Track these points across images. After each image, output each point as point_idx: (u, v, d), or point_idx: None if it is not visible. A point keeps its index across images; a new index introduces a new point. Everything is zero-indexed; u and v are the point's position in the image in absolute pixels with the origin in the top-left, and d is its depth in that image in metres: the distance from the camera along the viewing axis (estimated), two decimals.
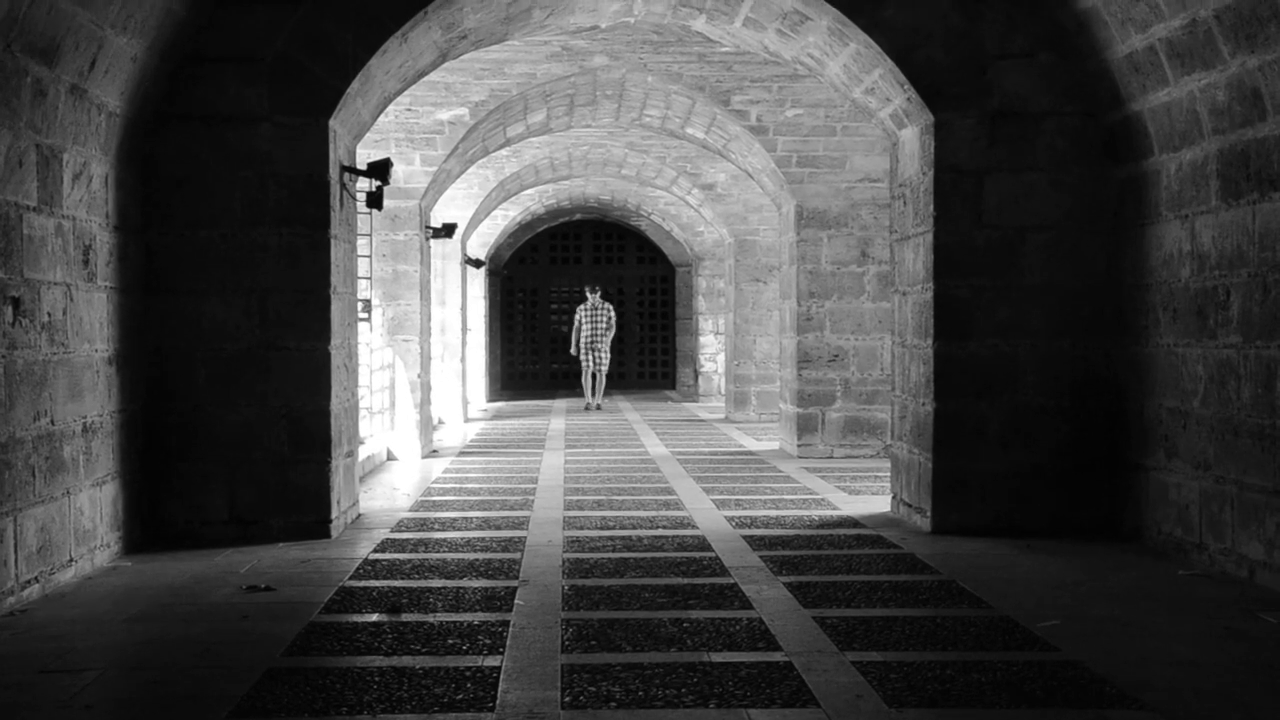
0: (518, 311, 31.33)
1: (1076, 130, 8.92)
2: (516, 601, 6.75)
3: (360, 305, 12.95)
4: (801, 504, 10.60)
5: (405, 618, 6.37)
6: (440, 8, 8.96)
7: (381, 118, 13.44)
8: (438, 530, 9.24)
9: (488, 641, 5.87)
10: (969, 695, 5.01)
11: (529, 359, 31.41)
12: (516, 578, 7.42)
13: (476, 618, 6.37)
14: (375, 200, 10.39)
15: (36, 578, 6.93)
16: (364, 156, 12.34)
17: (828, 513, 10.11)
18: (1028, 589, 7.05)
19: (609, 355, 23.76)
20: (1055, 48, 8.84)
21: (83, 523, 7.58)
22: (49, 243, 7.14)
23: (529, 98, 14.40)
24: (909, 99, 9.17)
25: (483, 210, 21.37)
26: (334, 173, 9.01)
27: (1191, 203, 7.87)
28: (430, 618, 6.37)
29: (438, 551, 8.32)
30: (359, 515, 9.94)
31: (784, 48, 10.14)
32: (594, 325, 23.38)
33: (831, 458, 14.53)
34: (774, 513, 10.05)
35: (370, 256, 14.50)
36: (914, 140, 9.48)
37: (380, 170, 10.07)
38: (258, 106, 8.71)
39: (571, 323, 26.12)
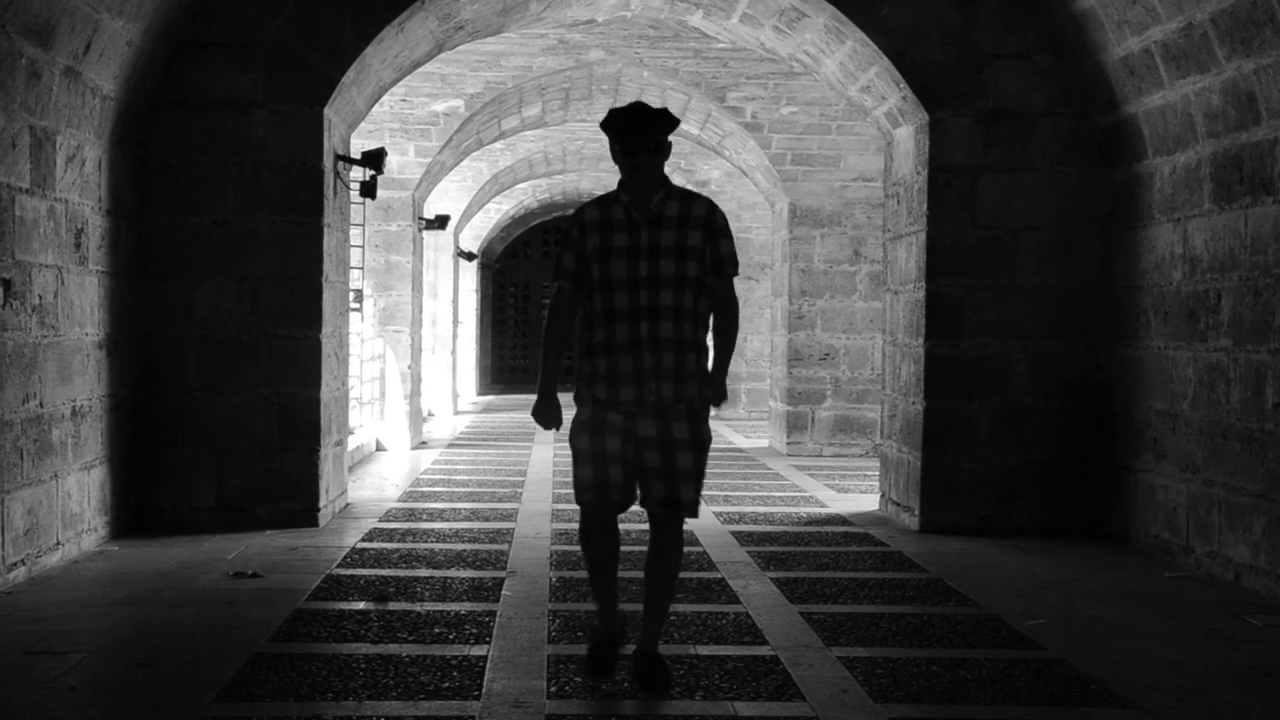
0: (509, 305, 31.32)
1: (1071, 132, 8.94)
2: (504, 592, 6.75)
3: (352, 295, 12.93)
4: (790, 501, 10.60)
5: (392, 606, 6.37)
6: None
7: (376, 108, 13.42)
8: (426, 520, 9.24)
9: (474, 631, 5.87)
10: (955, 691, 5.02)
11: (519, 353, 31.40)
12: (504, 568, 7.41)
13: (463, 607, 6.36)
14: (369, 190, 10.38)
15: (23, 560, 6.91)
16: (358, 146, 12.32)
17: (816, 510, 10.11)
18: (1014, 588, 7.06)
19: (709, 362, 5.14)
20: (1051, 49, 8.85)
21: (70, 506, 7.56)
22: (41, 225, 7.12)
23: (524, 91, 14.38)
24: (904, 98, 9.18)
25: (476, 203, 21.35)
26: (328, 161, 8.99)
27: (1184, 206, 7.89)
28: (417, 607, 6.36)
29: (425, 541, 8.32)
30: (347, 504, 9.93)
31: (780, 44, 10.14)
32: (653, 262, 4.94)
33: (821, 456, 14.54)
34: (762, 509, 10.06)
35: (363, 246, 14.48)
36: (909, 139, 9.48)
37: (374, 160, 10.06)
38: (253, 94, 8.69)
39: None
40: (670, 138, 5.01)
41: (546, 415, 5.09)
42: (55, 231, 7.31)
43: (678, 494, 4.94)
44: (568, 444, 4.98)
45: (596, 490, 4.92)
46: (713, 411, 5.94)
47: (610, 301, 4.93)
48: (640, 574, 5.22)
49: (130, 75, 8.06)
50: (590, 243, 4.99)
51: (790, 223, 14.85)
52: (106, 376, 8.14)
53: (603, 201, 5.06)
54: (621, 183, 5.00)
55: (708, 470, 5.09)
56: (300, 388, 8.82)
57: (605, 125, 4.98)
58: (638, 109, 4.94)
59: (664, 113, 4.95)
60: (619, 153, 4.94)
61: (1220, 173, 7.45)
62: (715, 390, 5.02)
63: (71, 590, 6.71)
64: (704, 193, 20.43)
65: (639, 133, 4.91)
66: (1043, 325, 8.97)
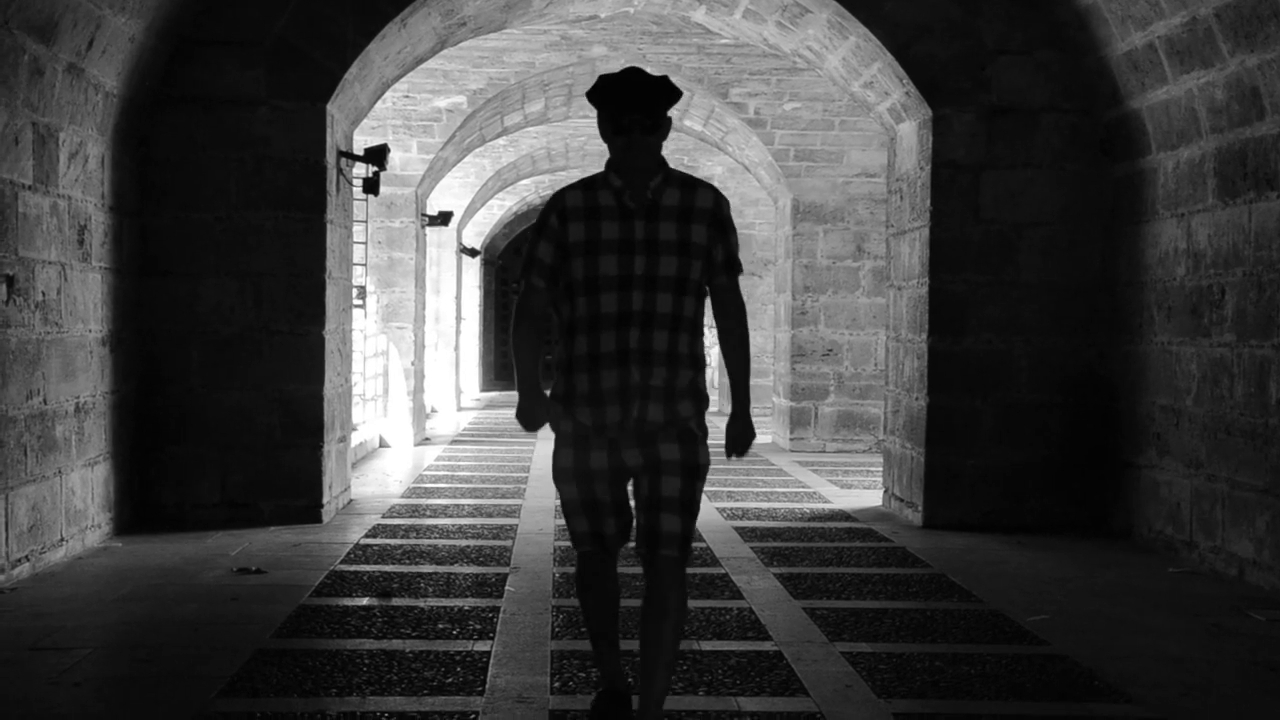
0: (512, 302, 31.30)
1: (1074, 127, 8.93)
2: (507, 588, 6.75)
3: (355, 292, 12.94)
4: (793, 497, 10.60)
5: (396, 602, 6.37)
6: None
7: (379, 104, 13.42)
8: (429, 516, 9.24)
9: (478, 626, 5.87)
10: (958, 686, 5.02)
11: None
12: (507, 564, 7.42)
13: (467, 603, 6.37)
14: (372, 186, 10.39)
15: (27, 556, 6.92)
16: (361, 142, 12.31)
17: (819, 506, 10.11)
18: (1018, 584, 7.06)
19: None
20: (1054, 44, 8.84)
21: (74, 503, 7.57)
22: (44, 221, 7.12)
23: (527, 87, 14.38)
24: (908, 93, 9.17)
25: (479, 199, 21.35)
26: (331, 157, 8.99)
27: (1188, 201, 7.88)
28: (421, 602, 6.37)
29: (429, 537, 8.32)
30: (350, 500, 9.93)
31: (783, 40, 10.13)
32: (650, 259, 4.06)
33: (824, 452, 14.54)
34: (765, 505, 10.06)
35: (366, 243, 14.49)
36: (912, 135, 9.47)
37: (377, 156, 10.07)
38: (255, 90, 8.69)
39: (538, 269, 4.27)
40: (673, 131, 4.81)
41: (533, 416, 4.20)
42: (58, 228, 7.32)
43: (659, 525, 4.01)
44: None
45: (594, 542, 4.19)
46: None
47: (595, 304, 4.02)
48: (620, 569, 4.59)
49: (133, 72, 8.06)
50: (574, 233, 4.03)
51: (793, 218, 14.84)
52: (110, 373, 8.15)
53: (588, 184, 4.11)
54: (610, 163, 4.10)
55: (710, 469, 4.36)
56: (303, 384, 8.82)
57: (593, 95, 4.07)
58: (633, 76, 4.04)
59: (664, 82, 4.05)
60: (609, 129, 4.04)
61: (1224, 168, 7.44)
62: (740, 437, 4.30)
63: (75, 586, 6.71)
64: None
65: (635, 106, 4.00)
66: (1046, 321, 8.96)
